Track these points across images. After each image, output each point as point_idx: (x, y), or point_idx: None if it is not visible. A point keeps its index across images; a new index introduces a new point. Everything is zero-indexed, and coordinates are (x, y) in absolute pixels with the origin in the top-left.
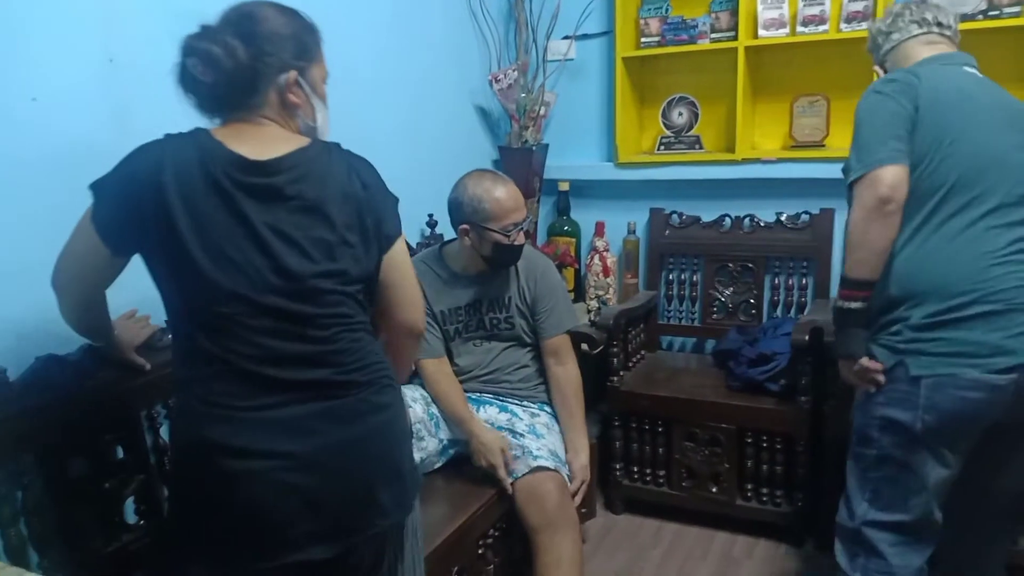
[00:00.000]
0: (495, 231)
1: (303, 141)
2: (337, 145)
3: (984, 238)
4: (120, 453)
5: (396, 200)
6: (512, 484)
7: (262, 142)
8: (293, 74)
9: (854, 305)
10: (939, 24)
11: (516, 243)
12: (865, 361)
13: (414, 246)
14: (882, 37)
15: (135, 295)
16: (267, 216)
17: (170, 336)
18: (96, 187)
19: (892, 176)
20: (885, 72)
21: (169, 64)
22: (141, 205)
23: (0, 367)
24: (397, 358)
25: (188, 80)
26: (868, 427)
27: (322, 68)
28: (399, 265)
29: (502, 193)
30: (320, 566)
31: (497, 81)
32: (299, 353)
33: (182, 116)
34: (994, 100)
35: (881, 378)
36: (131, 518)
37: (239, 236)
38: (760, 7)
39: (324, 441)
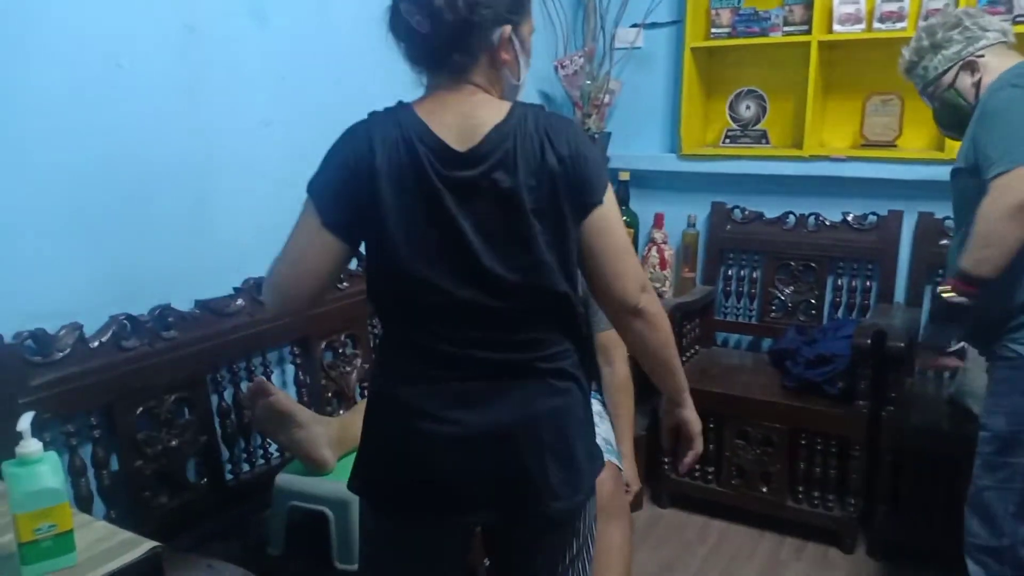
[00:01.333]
0: None
1: (503, 110)
2: (536, 110)
3: None
4: (186, 414)
5: (603, 162)
6: None
7: (463, 119)
8: (508, 29)
9: (960, 299)
10: (1007, 34)
11: None
12: (945, 360)
13: None
14: (980, 31)
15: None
16: (466, 212)
17: (239, 301)
18: (314, 188)
19: None
20: (976, 70)
21: (244, 35)
22: (356, 191)
23: (77, 323)
24: (634, 349)
25: (401, 27)
26: (1019, 433)
27: (531, 23)
28: (600, 231)
29: None
30: (491, 533)
31: (563, 67)
32: (491, 340)
33: (254, 88)
34: None
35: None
36: (193, 477)
37: (443, 233)
38: (836, 1)
39: (499, 416)
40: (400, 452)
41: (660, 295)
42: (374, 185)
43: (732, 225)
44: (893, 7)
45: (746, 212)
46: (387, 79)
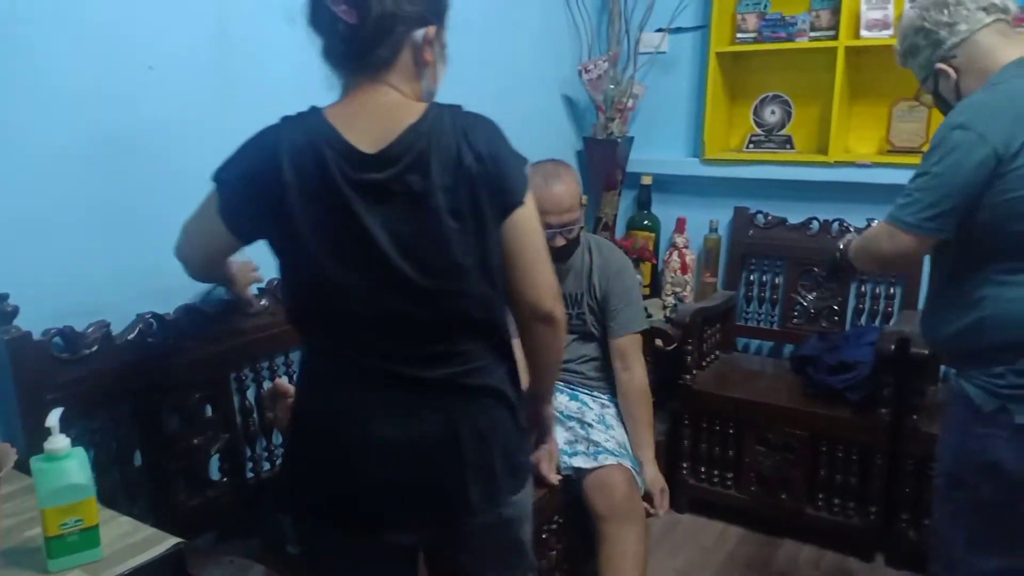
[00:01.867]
0: None
1: (418, 112)
2: (453, 110)
3: None
4: (209, 412)
5: (522, 162)
6: (576, 477)
7: (376, 121)
8: (433, 29)
9: (843, 264)
10: (1005, 10)
11: (552, 244)
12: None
13: None
14: (945, 29)
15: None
16: (378, 216)
17: (263, 302)
18: (218, 178)
19: (913, 247)
20: (956, 71)
21: (275, 38)
22: (262, 200)
23: (104, 321)
24: (531, 349)
25: (324, 20)
26: (962, 472)
27: (445, 35)
28: (520, 234)
29: (544, 194)
30: (413, 552)
31: (587, 71)
32: (412, 353)
33: (286, 90)
34: None
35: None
36: (215, 475)
37: (353, 238)
38: (864, 7)
39: (423, 430)
40: (325, 467)
41: (681, 299)
42: (283, 198)
43: (755, 230)
44: None
45: (769, 217)
46: None
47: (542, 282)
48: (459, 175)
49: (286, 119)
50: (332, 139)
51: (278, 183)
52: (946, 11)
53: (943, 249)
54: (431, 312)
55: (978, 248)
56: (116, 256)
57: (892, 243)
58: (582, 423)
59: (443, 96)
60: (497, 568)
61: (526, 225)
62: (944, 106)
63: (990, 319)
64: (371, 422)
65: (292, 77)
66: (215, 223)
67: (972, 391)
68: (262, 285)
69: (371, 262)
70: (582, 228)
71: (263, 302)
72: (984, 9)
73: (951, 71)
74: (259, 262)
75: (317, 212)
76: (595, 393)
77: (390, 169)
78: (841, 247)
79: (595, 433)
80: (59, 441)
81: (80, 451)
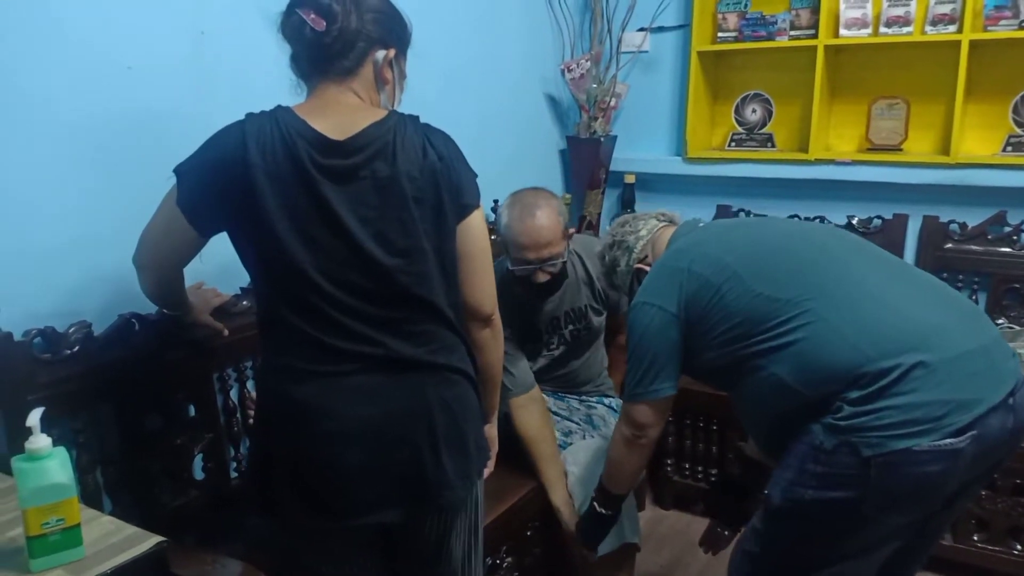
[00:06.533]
0: (509, 257)
1: (381, 113)
2: (414, 118)
3: (881, 300)
4: (192, 411)
5: (474, 174)
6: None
7: (342, 116)
8: (392, 51)
9: (609, 512)
10: (671, 219)
11: (534, 280)
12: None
13: None
14: (632, 237)
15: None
16: (345, 199)
17: (244, 302)
18: (180, 171)
19: (647, 416)
20: (647, 268)
21: (256, 40)
22: (227, 186)
23: (86, 322)
24: (475, 349)
25: (295, 28)
26: (792, 509)
27: (405, 68)
28: (475, 237)
29: (521, 228)
30: (389, 533)
31: (569, 71)
32: (379, 333)
33: (264, 90)
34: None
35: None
36: (198, 475)
37: (320, 219)
38: (843, 6)
39: (391, 407)
40: (301, 456)
41: None
42: (249, 181)
43: None
44: (899, 11)
45: (751, 215)
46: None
47: (485, 287)
48: (424, 167)
49: (250, 114)
50: (300, 128)
51: (243, 165)
52: (628, 225)
53: (719, 384)
54: (394, 291)
55: (735, 354)
56: (99, 259)
57: (638, 420)
58: (569, 422)
59: (429, 93)
60: (462, 545)
61: (478, 231)
62: None
63: (791, 375)
64: (346, 404)
65: (269, 74)
66: (173, 216)
67: (816, 428)
68: (244, 285)
69: (338, 241)
70: (564, 262)
71: (245, 302)
72: (655, 217)
73: (647, 268)
74: (230, 273)
75: (288, 196)
76: (583, 397)
77: (357, 156)
78: (597, 509)
79: (576, 436)
80: (40, 440)
81: (62, 450)
